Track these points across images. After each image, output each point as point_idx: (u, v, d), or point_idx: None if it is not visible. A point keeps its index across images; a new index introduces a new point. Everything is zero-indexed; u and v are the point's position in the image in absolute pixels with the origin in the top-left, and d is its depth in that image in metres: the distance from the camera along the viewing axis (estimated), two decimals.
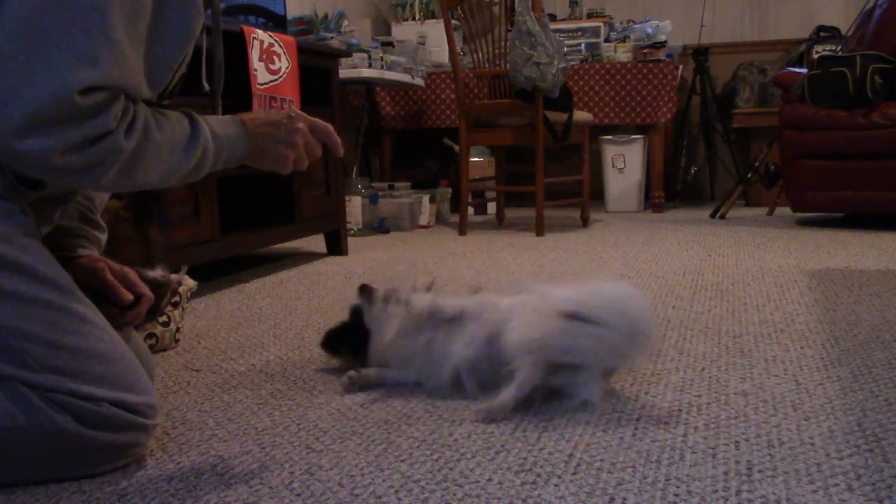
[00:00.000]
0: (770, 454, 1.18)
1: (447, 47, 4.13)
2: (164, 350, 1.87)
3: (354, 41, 4.23)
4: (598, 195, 5.17)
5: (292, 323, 2.14)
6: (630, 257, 3.16)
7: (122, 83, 1.06)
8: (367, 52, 4.23)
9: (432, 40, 5.20)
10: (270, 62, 2.74)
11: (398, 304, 1.57)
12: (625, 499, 1.04)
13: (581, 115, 4.08)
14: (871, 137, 3.81)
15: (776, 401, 1.41)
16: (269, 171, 1.30)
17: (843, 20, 5.30)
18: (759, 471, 1.12)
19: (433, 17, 5.26)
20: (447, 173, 5.08)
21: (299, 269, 3.06)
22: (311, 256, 3.37)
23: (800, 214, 4.34)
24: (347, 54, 3.78)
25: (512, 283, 1.81)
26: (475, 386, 1.46)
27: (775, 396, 1.44)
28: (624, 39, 5.15)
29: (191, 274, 2.07)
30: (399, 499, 1.06)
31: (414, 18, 5.37)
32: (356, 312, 1.63)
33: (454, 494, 1.07)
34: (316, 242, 3.57)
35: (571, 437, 1.26)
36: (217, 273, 2.86)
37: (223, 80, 1.42)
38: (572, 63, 4.88)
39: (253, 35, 2.66)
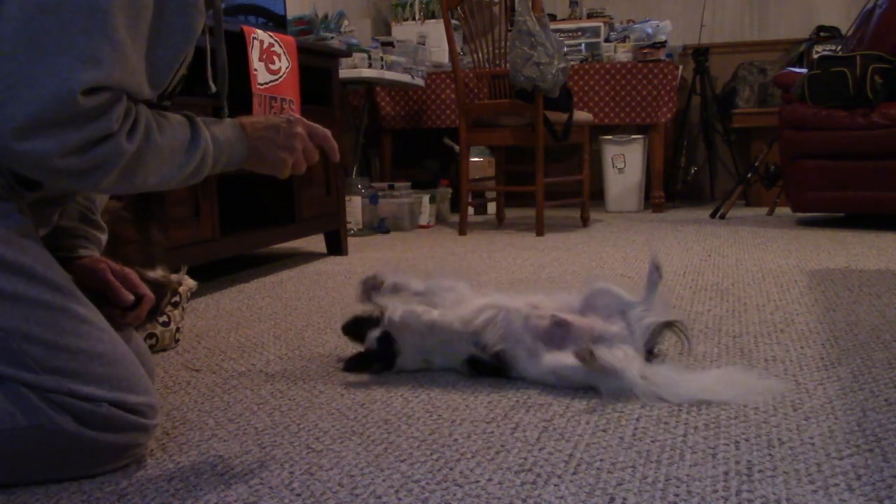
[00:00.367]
0: (770, 454, 1.18)
1: (447, 47, 4.13)
2: (164, 350, 1.87)
3: (354, 41, 4.23)
4: (598, 195, 5.17)
5: (292, 323, 2.14)
6: (630, 257, 3.16)
7: (124, 84, 1.05)
8: (367, 52, 4.23)
9: (432, 40, 5.20)
10: (270, 62, 2.74)
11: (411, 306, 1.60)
12: (625, 499, 1.04)
13: (581, 115, 4.08)
14: (871, 137, 3.81)
15: (776, 401, 1.41)
16: (266, 174, 1.30)
17: (843, 20, 5.30)
18: (759, 471, 1.12)
19: (433, 17, 5.26)
20: (447, 173, 5.08)
21: (299, 269, 3.06)
22: (311, 256, 3.37)
23: (800, 214, 4.34)
24: (347, 54, 3.78)
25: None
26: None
27: (775, 396, 1.44)
28: (624, 39, 5.16)
29: (191, 274, 2.07)
30: (399, 499, 1.06)
31: (414, 18, 5.37)
32: (386, 337, 1.61)
33: (454, 494, 1.07)
34: (316, 242, 3.57)
35: (571, 437, 1.26)
36: (217, 273, 2.86)
37: (227, 80, 1.42)
38: (572, 63, 4.88)
39: (253, 35, 2.66)
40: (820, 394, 1.45)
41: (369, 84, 4.73)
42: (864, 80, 3.81)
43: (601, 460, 1.17)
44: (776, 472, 1.11)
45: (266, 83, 2.71)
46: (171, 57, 1.15)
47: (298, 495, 1.08)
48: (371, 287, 1.66)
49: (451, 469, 1.15)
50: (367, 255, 3.39)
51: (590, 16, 5.58)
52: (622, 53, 5.04)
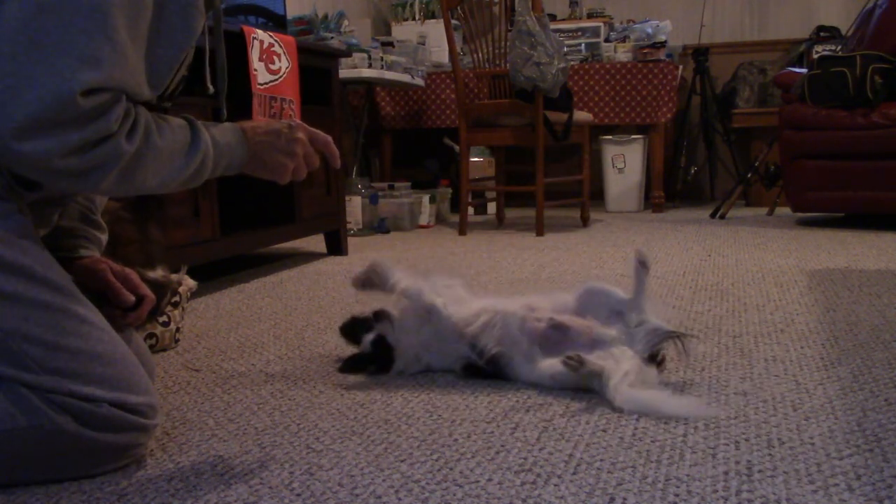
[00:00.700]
0: (770, 454, 1.18)
1: (447, 47, 4.13)
2: (164, 350, 1.87)
3: (354, 41, 4.23)
4: (598, 195, 5.17)
5: (292, 323, 2.14)
6: (630, 257, 3.15)
7: (124, 84, 1.05)
8: (367, 52, 4.23)
9: (432, 40, 5.20)
10: (270, 62, 2.74)
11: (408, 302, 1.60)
12: (625, 499, 1.04)
13: (581, 115, 4.08)
14: (871, 137, 3.81)
15: (776, 401, 1.41)
16: (267, 179, 1.30)
17: (843, 20, 5.30)
18: (759, 471, 1.12)
19: (433, 17, 5.26)
20: (447, 173, 5.08)
21: (299, 269, 3.06)
22: (311, 256, 3.37)
23: (800, 214, 4.34)
24: (347, 54, 3.78)
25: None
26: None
27: (775, 396, 1.44)
28: (624, 39, 5.16)
29: (191, 274, 2.07)
30: (399, 499, 1.06)
31: (414, 18, 5.37)
32: (380, 340, 1.62)
33: (454, 494, 1.07)
34: (316, 242, 3.57)
35: (571, 437, 1.26)
36: (217, 273, 2.86)
37: (227, 81, 1.42)
38: (572, 63, 4.88)
39: (253, 35, 2.66)
40: (820, 394, 1.45)
41: (369, 84, 4.73)
42: (864, 80, 3.81)
43: (601, 460, 1.17)
44: (776, 472, 1.11)
45: (266, 83, 2.71)
46: (171, 57, 1.15)
47: (298, 495, 1.08)
48: (369, 279, 1.65)
49: (451, 469, 1.15)
50: (367, 255, 3.39)
51: (590, 16, 5.58)
52: (622, 53, 5.04)
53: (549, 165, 4.15)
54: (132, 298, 1.33)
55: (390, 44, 4.65)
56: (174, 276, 1.71)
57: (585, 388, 1.46)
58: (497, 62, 3.94)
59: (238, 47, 2.59)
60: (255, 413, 1.42)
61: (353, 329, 1.69)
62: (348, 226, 3.84)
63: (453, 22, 4.18)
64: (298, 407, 1.45)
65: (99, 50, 1.01)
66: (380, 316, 1.64)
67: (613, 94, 4.94)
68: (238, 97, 2.55)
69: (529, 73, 3.67)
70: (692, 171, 5.54)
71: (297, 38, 3.08)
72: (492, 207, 5.05)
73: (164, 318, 1.85)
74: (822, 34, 5.34)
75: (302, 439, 1.29)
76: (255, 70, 2.65)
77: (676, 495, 1.05)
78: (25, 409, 1.08)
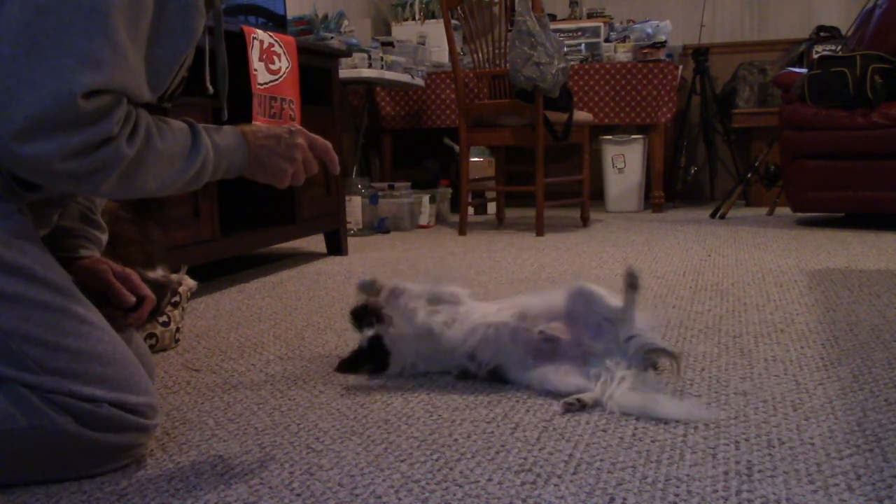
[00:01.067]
0: (770, 454, 1.18)
1: (447, 47, 4.13)
2: (164, 350, 1.87)
3: (354, 41, 4.23)
4: (598, 195, 5.17)
5: (292, 323, 2.14)
6: (630, 257, 3.16)
7: (125, 86, 1.05)
8: (367, 52, 4.23)
9: (432, 40, 5.20)
10: (270, 62, 2.74)
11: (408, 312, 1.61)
12: (625, 499, 1.04)
13: (581, 115, 4.08)
14: (871, 137, 3.81)
15: (776, 401, 1.41)
16: (265, 183, 1.30)
17: (843, 20, 5.30)
18: (759, 471, 1.12)
19: (433, 17, 5.26)
20: (447, 173, 5.08)
21: (299, 269, 3.06)
22: (311, 256, 3.37)
23: (800, 214, 4.34)
24: (347, 54, 3.78)
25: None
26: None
27: (775, 396, 1.44)
28: (624, 39, 5.16)
29: (191, 274, 2.07)
30: (399, 499, 1.06)
31: (414, 18, 5.37)
32: (375, 340, 1.62)
33: (454, 494, 1.07)
34: (316, 242, 3.57)
35: (571, 437, 1.26)
36: (217, 273, 2.86)
37: (227, 81, 1.42)
38: (572, 63, 4.88)
39: (253, 35, 2.66)
40: (820, 394, 1.45)
41: (369, 84, 4.73)
42: (864, 80, 3.81)
43: (601, 460, 1.17)
44: (776, 472, 1.11)
45: (266, 83, 2.71)
46: (171, 59, 1.15)
47: (298, 495, 1.08)
48: (369, 293, 1.66)
49: (451, 469, 1.15)
50: (367, 255, 3.39)
51: (590, 16, 5.58)
52: (622, 53, 5.04)
53: (549, 165, 4.15)
54: (133, 299, 1.33)
55: (390, 44, 4.65)
56: (174, 276, 1.71)
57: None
58: (497, 62, 3.94)
59: (238, 47, 2.59)
60: (255, 413, 1.42)
61: (363, 315, 1.68)
62: (348, 226, 3.84)
63: (453, 22, 4.19)
64: (298, 407, 1.45)
65: (99, 51, 1.01)
66: (381, 318, 1.64)
67: (613, 94, 4.94)
68: (238, 97, 2.55)
69: (529, 73, 3.67)
70: (692, 171, 5.54)
71: (297, 38, 3.08)
72: (492, 207, 5.05)
73: (164, 318, 1.85)
74: (822, 34, 5.34)
75: (302, 439, 1.29)
76: (255, 70, 2.65)
77: (676, 495, 1.05)
78: (26, 409, 1.08)
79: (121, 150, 1.05)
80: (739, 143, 5.45)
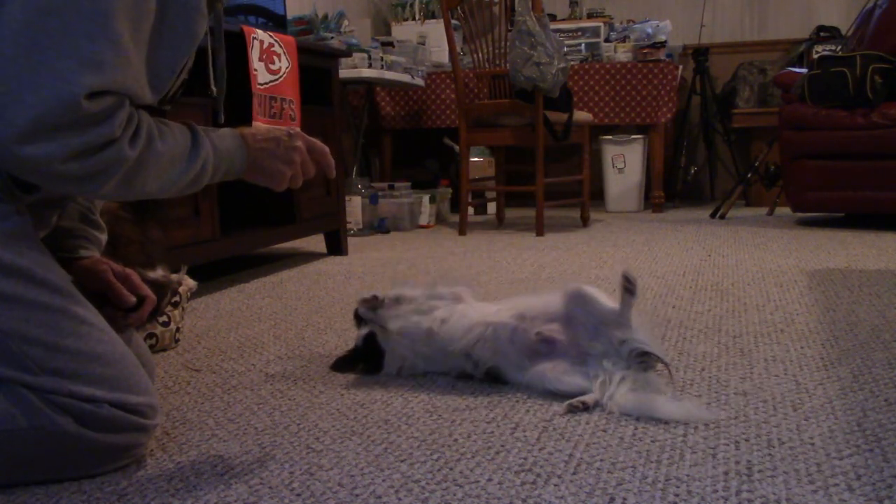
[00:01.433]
0: (770, 454, 1.18)
1: (447, 47, 4.13)
2: (164, 350, 1.87)
3: (354, 41, 4.23)
4: (598, 195, 5.17)
5: (292, 323, 2.14)
6: (630, 257, 3.16)
7: (127, 88, 1.05)
8: (367, 52, 4.24)
9: (432, 40, 5.20)
10: (270, 62, 2.74)
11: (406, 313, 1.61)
12: (625, 499, 1.04)
13: (581, 115, 4.08)
14: (871, 137, 3.81)
15: (776, 401, 1.41)
16: (263, 186, 1.31)
17: (843, 20, 5.30)
18: (759, 471, 1.12)
19: (433, 17, 5.26)
20: (447, 173, 5.08)
21: (299, 269, 3.06)
22: (311, 256, 3.37)
23: (800, 214, 4.34)
24: (347, 54, 3.78)
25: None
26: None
27: (775, 396, 1.44)
28: (624, 39, 5.16)
29: (191, 274, 2.07)
30: (399, 499, 1.06)
31: (414, 18, 5.37)
32: (370, 338, 1.63)
33: (454, 494, 1.07)
34: (316, 242, 3.57)
35: (571, 437, 1.26)
36: (217, 273, 2.86)
37: (226, 81, 1.42)
38: (572, 63, 4.88)
39: (253, 35, 2.66)
40: (820, 394, 1.45)
41: (369, 84, 4.73)
42: (864, 80, 3.81)
43: (601, 460, 1.17)
44: (776, 472, 1.11)
45: (266, 83, 2.71)
46: (173, 61, 1.15)
47: (298, 495, 1.08)
48: (371, 307, 1.65)
49: (451, 469, 1.15)
50: (367, 255, 3.39)
51: (590, 16, 5.58)
52: (622, 53, 5.04)
53: (549, 165, 4.15)
54: (133, 299, 1.33)
55: (390, 44, 4.65)
56: (174, 276, 1.71)
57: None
58: (497, 62, 3.94)
59: (238, 47, 2.59)
60: (255, 413, 1.42)
61: (371, 309, 1.68)
62: (348, 226, 3.84)
63: (453, 22, 4.19)
64: (298, 407, 1.45)
65: (102, 53, 1.00)
66: (378, 319, 1.63)
67: (613, 94, 4.94)
68: (238, 97, 2.55)
69: (529, 73, 3.67)
70: (692, 171, 5.54)
71: (297, 38, 3.08)
72: (492, 207, 5.06)
73: (164, 318, 1.85)
74: (822, 34, 5.34)
75: (302, 439, 1.29)
76: (255, 70, 2.65)
77: (676, 495, 1.05)
78: (26, 409, 1.08)
79: (123, 152, 1.05)
80: (739, 143, 5.45)
